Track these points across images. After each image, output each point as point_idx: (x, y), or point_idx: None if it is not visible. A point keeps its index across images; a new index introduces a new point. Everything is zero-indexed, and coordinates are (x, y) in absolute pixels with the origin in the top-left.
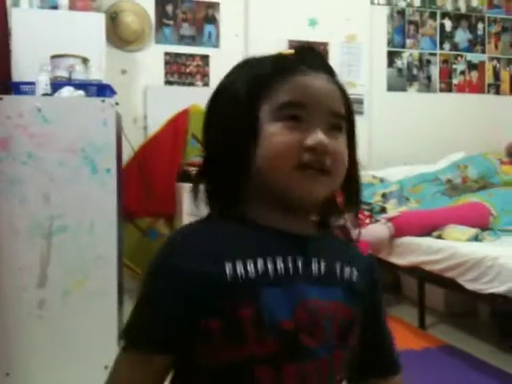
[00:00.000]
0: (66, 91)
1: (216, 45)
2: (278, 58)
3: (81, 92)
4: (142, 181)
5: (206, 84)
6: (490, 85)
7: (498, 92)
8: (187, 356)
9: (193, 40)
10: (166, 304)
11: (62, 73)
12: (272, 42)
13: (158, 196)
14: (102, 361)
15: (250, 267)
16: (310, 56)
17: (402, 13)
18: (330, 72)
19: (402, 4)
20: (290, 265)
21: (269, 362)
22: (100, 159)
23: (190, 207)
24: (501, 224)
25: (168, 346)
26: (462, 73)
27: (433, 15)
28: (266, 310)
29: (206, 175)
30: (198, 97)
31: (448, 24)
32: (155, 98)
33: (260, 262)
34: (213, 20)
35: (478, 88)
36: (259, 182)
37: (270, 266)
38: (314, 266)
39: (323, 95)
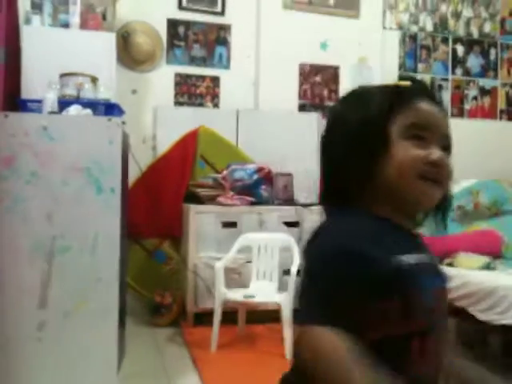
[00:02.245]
0: (74, 109)
1: (227, 66)
2: (401, 89)
3: (88, 111)
4: (150, 201)
5: (216, 105)
6: (502, 111)
7: (510, 118)
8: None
9: (203, 61)
10: (360, 287)
11: (71, 91)
12: (283, 65)
13: (165, 216)
14: None
15: (412, 259)
16: (423, 87)
17: (413, 37)
18: (438, 101)
19: (414, 29)
20: (427, 259)
21: (420, 334)
22: (105, 178)
23: (197, 228)
24: None
25: (355, 323)
26: (475, 98)
27: (445, 40)
28: (424, 294)
29: (332, 184)
30: (207, 118)
31: (460, 49)
32: (165, 118)
33: (415, 257)
34: (224, 42)
35: (490, 114)
36: (386, 186)
37: (420, 259)
38: (433, 260)
39: (440, 120)
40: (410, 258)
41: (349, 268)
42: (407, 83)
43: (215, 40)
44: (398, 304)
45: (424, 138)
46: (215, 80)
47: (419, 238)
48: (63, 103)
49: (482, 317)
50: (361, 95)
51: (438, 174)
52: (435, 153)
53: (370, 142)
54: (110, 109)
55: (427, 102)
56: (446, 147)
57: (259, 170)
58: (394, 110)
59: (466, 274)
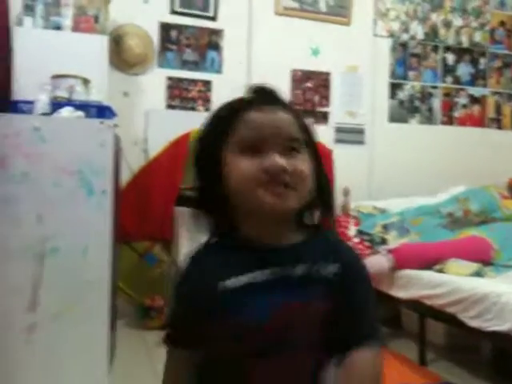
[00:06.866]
0: (66, 111)
1: (219, 71)
2: (235, 101)
3: (80, 113)
4: (141, 204)
5: (208, 109)
6: (491, 119)
7: (499, 126)
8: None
9: (195, 65)
10: (181, 315)
11: (62, 93)
12: (275, 70)
13: (156, 220)
14: None
15: (235, 282)
16: (263, 93)
17: (404, 45)
18: (282, 103)
19: (405, 37)
20: (270, 276)
21: (257, 356)
22: (96, 181)
23: (188, 232)
24: (503, 259)
25: (186, 343)
26: (464, 106)
27: (435, 48)
28: (249, 314)
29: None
30: (199, 122)
31: (450, 57)
32: (156, 121)
33: (244, 278)
34: (216, 46)
35: (479, 122)
36: (237, 204)
37: (251, 279)
38: (292, 272)
39: (275, 125)
40: (235, 282)
41: (174, 304)
42: (249, 96)
43: (207, 44)
44: (218, 327)
45: (259, 149)
46: (207, 84)
47: (277, 251)
48: (55, 105)
49: (471, 323)
50: (212, 117)
51: (280, 179)
52: (267, 159)
53: (208, 166)
54: (101, 111)
55: (259, 109)
56: (295, 148)
57: None
58: (227, 125)
59: (456, 281)
